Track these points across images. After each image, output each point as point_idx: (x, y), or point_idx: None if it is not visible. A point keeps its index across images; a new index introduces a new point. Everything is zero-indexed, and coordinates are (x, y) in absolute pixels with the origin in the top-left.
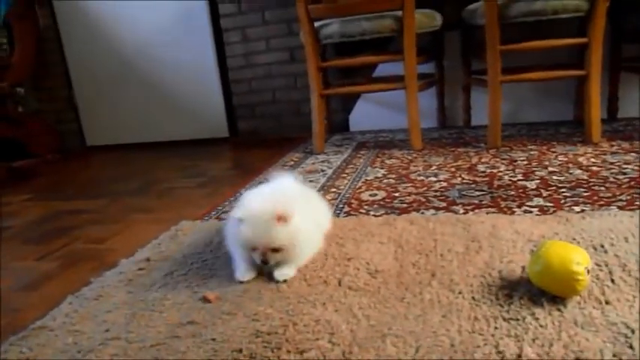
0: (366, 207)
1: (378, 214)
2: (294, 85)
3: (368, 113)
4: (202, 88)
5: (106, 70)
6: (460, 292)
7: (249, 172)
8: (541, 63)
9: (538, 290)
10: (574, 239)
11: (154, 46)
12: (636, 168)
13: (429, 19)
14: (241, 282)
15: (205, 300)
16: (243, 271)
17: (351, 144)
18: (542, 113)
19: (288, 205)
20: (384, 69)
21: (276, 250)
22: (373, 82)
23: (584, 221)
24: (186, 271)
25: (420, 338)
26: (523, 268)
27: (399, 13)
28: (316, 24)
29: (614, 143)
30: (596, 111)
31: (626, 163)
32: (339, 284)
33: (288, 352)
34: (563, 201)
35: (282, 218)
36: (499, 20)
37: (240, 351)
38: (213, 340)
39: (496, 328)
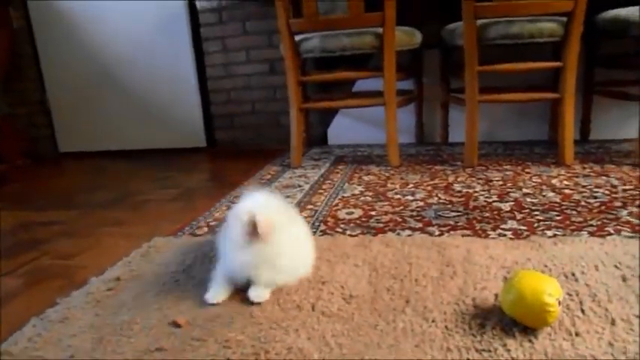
0: (342, 225)
1: (354, 233)
2: (273, 97)
3: (346, 127)
4: (180, 97)
5: (81, 75)
6: (433, 321)
7: (225, 186)
8: (517, 84)
9: (510, 319)
10: (546, 266)
11: (131, 51)
12: (607, 192)
13: (408, 37)
14: (212, 304)
15: (175, 325)
16: (213, 293)
17: (329, 158)
18: (518, 132)
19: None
20: (363, 84)
21: None
22: (352, 96)
23: (556, 247)
24: (157, 291)
25: None
26: (496, 296)
27: (380, 30)
28: (297, 37)
29: (586, 166)
30: (570, 133)
31: (597, 187)
32: (313, 309)
33: None
34: (536, 224)
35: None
36: (477, 41)
37: None
38: None
39: (468, 359)
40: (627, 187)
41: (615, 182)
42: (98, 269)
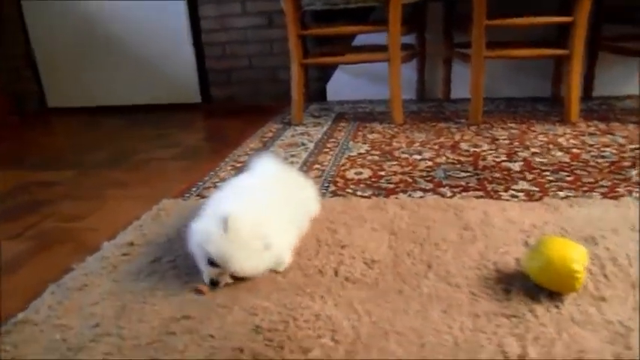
0: (352, 186)
1: (365, 194)
2: (270, 51)
3: (346, 83)
4: (173, 50)
5: (68, 27)
6: (458, 286)
7: (227, 145)
8: (519, 39)
9: (534, 285)
10: (564, 229)
11: (121, 2)
12: (614, 152)
13: None
14: None
15: (198, 292)
16: None
17: (329, 115)
18: (519, 89)
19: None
20: (363, 38)
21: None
22: (352, 51)
23: (572, 210)
24: (173, 257)
25: (423, 335)
26: (517, 260)
27: None
28: None
29: (590, 123)
30: (576, 91)
31: (604, 146)
32: (336, 274)
33: (292, 351)
34: (547, 185)
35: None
36: None
37: (242, 350)
38: (212, 337)
39: (497, 326)
40: (634, 147)
41: (622, 141)
42: (108, 233)
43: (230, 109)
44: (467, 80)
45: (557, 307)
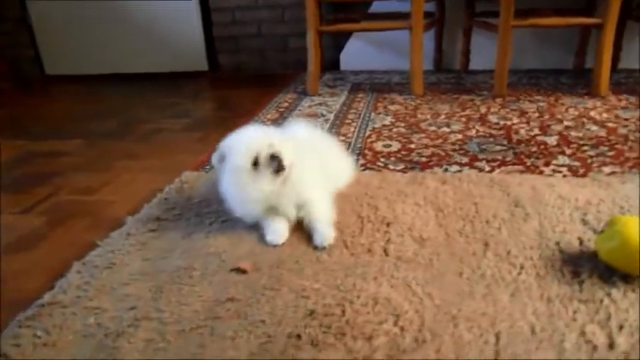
0: (382, 159)
1: (398, 168)
2: (281, 18)
3: (360, 52)
4: (178, 15)
5: None
6: (522, 267)
7: (241, 115)
8: (542, 6)
9: (604, 266)
10: (622, 207)
11: None
12: None
13: None
14: (275, 246)
15: (240, 271)
16: (274, 235)
17: (345, 85)
18: (541, 61)
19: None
20: (379, 5)
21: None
22: (369, 18)
23: (626, 187)
24: (205, 232)
25: (496, 322)
26: (580, 240)
27: None
28: None
29: (621, 97)
30: (607, 63)
31: None
32: (386, 254)
33: (354, 338)
34: (589, 161)
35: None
36: None
37: (299, 337)
38: (263, 322)
39: (575, 312)
40: None
41: None
42: (127, 206)
43: (238, 77)
44: (486, 51)
45: (634, 291)
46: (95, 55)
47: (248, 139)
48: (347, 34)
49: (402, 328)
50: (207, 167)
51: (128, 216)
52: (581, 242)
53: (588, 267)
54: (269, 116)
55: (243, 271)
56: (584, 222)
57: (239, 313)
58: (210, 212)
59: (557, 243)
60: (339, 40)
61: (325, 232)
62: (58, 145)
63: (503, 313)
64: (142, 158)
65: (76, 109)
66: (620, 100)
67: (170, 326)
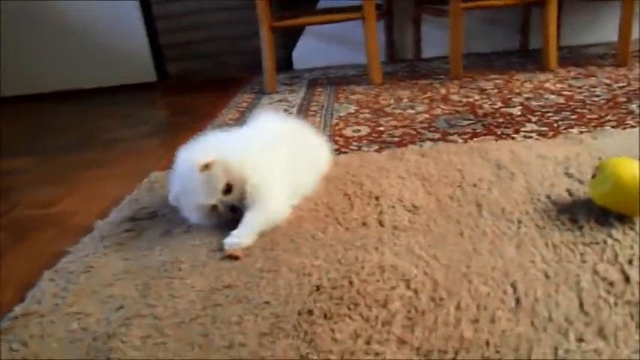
0: (355, 143)
1: (372, 149)
2: (230, 19)
3: (312, 49)
4: (121, 25)
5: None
6: (520, 221)
7: (201, 117)
8: None
9: (599, 210)
10: (599, 158)
11: None
12: (605, 91)
13: None
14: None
15: (232, 258)
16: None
17: (302, 82)
18: (489, 43)
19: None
20: (325, 2)
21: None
22: (318, 15)
23: (597, 141)
24: (185, 228)
25: (508, 273)
26: (569, 191)
27: None
28: None
29: (569, 69)
30: (554, 37)
31: (592, 87)
32: (381, 225)
33: (368, 306)
34: (556, 125)
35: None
36: None
37: (310, 312)
38: (267, 303)
39: (582, 254)
40: (621, 85)
41: (607, 81)
42: (93, 213)
43: (191, 84)
44: (436, 39)
45: (632, 229)
46: (37, 73)
47: (201, 183)
48: (297, 34)
49: (415, 291)
50: None
51: (97, 220)
52: (570, 193)
53: (584, 213)
54: (230, 116)
55: (236, 258)
56: (568, 175)
57: (239, 298)
58: None
59: (548, 196)
60: (289, 40)
61: (241, 232)
62: (11, 164)
63: (512, 264)
64: (104, 167)
65: (27, 127)
66: (569, 72)
67: (166, 320)
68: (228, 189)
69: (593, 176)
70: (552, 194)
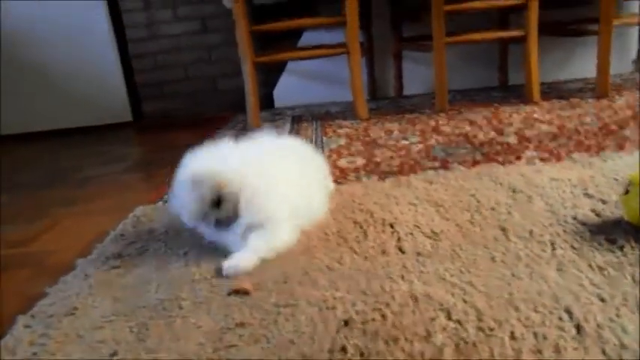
0: (352, 174)
1: (372, 179)
2: (208, 58)
3: (294, 87)
4: (96, 65)
5: None
6: (553, 243)
7: (184, 153)
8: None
9: (633, 229)
10: (615, 180)
11: (33, 14)
12: (594, 119)
13: None
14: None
15: (241, 293)
16: (234, 258)
17: (285, 118)
18: (468, 80)
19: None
20: (307, 39)
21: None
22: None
23: (608, 163)
24: (183, 262)
25: (559, 297)
26: (594, 211)
27: None
28: None
29: (552, 102)
30: (536, 70)
31: (580, 116)
32: (402, 251)
33: (409, 341)
34: (555, 151)
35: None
36: None
37: (344, 350)
38: (292, 342)
39: (632, 275)
40: (609, 114)
41: (593, 111)
42: (72, 252)
43: (168, 123)
44: (418, 76)
45: None
46: (11, 114)
47: (191, 195)
48: (278, 72)
49: (458, 321)
50: (166, 198)
51: (79, 259)
52: (597, 214)
53: (619, 232)
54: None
55: (245, 292)
56: (589, 196)
57: (256, 337)
58: (182, 240)
59: (574, 217)
60: (269, 78)
61: (241, 255)
62: None
63: (560, 288)
64: (83, 203)
65: None
66: (552, 104)
67: None
68: (217, 202)
69: (626, 192)
70: (578, 215)
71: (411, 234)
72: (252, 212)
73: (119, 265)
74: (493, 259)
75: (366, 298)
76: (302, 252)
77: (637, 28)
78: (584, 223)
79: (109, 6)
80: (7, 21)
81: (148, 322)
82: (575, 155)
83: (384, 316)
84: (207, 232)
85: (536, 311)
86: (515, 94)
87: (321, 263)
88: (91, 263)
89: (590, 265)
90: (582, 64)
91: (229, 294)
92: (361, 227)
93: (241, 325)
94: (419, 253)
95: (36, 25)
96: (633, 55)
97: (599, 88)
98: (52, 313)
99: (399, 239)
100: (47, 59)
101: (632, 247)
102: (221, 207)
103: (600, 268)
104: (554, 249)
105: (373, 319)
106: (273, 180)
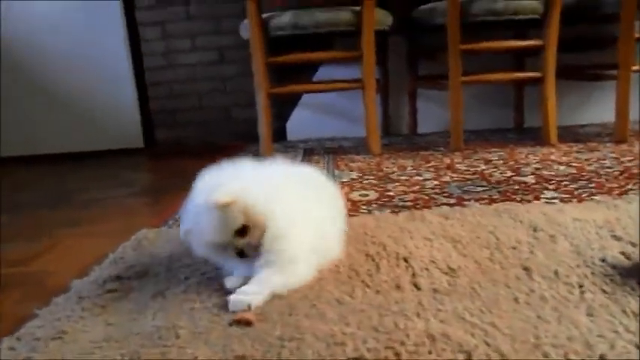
0: (364, 207)
1: (383, 213)
2: (223, 89)
3: (307, 121)
4: (113, 91)
5: None
6: (581, 286)
7: (192, 180)
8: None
9: None
10: None
11: (53, 40)
12: (614, 163)
13: (383, 16)
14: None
15: (243, 323)
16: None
17: (297, 150)
18: (483, 120)
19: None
20: (323, 74)
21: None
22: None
23: (633, 206)
24: (183, 288)
25: (592, 344)
26: (624, 254)
27: (356, 7)
28: (264, 15)
29: (570, 145)
30: (553, 112)
31: (600, 159)
32: (417, 287)
33: None
34: (576, 192)
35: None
36: (461, 18)
37: None
38: None
39: None
40: (629, 158)
41: (612, 155)
42: (70, 274)
43: (180, 150)
44: (432, 114)
45: None
46: (18, 137)
47: (215, 221)
48: (292, 105)
49: None
50: (171, 223)
51: (74, 280)
52: (627, 257)
53: None
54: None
55: (247, 323)
56: (616, 238)
57: None
58: (184, 266)
59: (603, 260)
60: (284, 111)
61: (251, 289)
62: None
63: (592, 334)
64: (86, 225)
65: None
66: (570, 147)
67: None
68: (243, 231)
69: None
70: (607, 257)
71: (427, 269)
72: (274, 243)
73: (115, 289)
74: (516, 299)
75: (379, 335)
76: (310, 283)
77: None
78: (613, 266)
79: (129, 34)
80: (21, 47)
81: (141, 350)
82: (597, 197)
83: (397, 355)
84: (221, 261)
85: (567, 359)
86: (531, 135)
87: (330, 296)
88: (86, 285)
89: (624, 311)
90: (600, 109)
91: (230, 324)
92: (373, 260)
93: (242, 357)
94: (435, 290)
95: (56, 53)
96: None
97: (618, 133)
98: (39, 336)
99: (413, 274)
100: (64, 84)
101: None
102: (246, 235)
103: (635, 315)
104: (582, 292)
105: (386, 358)
106: (296, 211)
